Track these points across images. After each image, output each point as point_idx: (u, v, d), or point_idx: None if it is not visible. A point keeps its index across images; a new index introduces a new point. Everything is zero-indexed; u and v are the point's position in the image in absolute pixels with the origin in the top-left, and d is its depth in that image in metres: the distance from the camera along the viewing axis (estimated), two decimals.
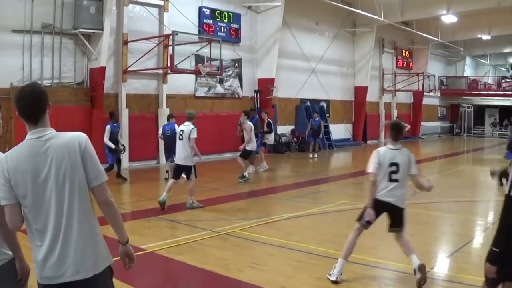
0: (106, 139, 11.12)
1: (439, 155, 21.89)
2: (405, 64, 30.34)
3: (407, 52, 30.60)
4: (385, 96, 28.44)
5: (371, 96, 26.52)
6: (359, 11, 22.25)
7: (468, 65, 39.85)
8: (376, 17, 22.80)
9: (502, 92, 34.89)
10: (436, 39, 28.93)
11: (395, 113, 28.77)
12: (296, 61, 21.57)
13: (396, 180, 4.97)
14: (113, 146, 11.18)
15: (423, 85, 29.63)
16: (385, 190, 4.98)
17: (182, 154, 8.93)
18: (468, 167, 18.78)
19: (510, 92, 34.31)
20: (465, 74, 38.29)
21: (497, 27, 28.87)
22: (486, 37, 30.80)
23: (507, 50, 38.89)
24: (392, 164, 4.96)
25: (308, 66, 22.31)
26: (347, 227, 6.77)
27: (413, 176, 5.12)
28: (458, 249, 6.77)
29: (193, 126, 8.92)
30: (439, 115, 36.10)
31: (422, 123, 31.86)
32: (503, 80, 36.82)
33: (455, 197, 10.73)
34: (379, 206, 4.97)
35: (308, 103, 21.76)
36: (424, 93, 30.69)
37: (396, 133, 5.07)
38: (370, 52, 25.42)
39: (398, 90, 28.82)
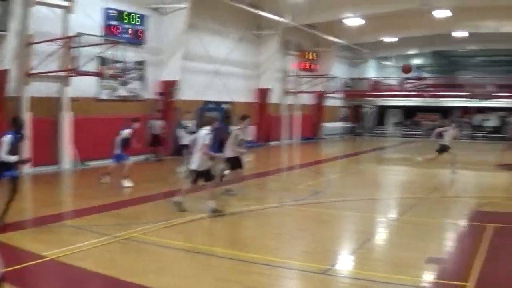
0: (2, 154, 9.31)
1: (340, 155, 25.32)
2: (309, 66, 34.39)
3: (312, 54, 34.56)
4: (289, 97, 32.23)
5: (275, 98, 30.21)
6: (264, 14, 25.76)
7: (371, 66, 45.51)
8: (281, 19, 26.55)
9: (404, 93, 40.49)
10: (341, 41, 33.45)
11: (298, 114, 32.75)
12: (202, 63, 24.44)
13: None
14: (13, 159, 9.45)
15: (325, 86, 33.94)
16: None
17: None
18: (369, 166, 22.11)
19: (413, 93, 40.05)
20: (368, 76, 43.87)
21: (400, 30, 33.95)
22: (392, 39, 35.91)
23: (411, 52, 44.82)
24: None
25: (213, 68, 25.26)
26: (248, 229, 9.19)
27: None
28: (360, 246, 8.10)
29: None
30: (341, 116, 40.85)
31: (325, 124, 36.32)
32: (406, 81, 42.52)
33: (357, 195, 12.63)
34: None
35: (212, 106, 24.33)
36: (328, 95, 35.16)
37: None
38: (274, 54, 29.00)
39: (301, 92, 32.77)
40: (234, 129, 12.62)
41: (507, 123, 39.27)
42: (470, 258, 7.28)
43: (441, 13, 28.93)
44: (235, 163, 12.37)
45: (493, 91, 37.87)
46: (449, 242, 8.58)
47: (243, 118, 12.83)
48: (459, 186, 16.04)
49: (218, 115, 10.95)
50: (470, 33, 35.53)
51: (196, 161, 9.99)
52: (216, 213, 9.90)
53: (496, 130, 39.80)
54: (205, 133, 9.99)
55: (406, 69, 30.34)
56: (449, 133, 17.01)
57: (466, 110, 40.80)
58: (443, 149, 16.94)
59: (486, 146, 34.34)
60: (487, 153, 29.08)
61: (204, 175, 10.05)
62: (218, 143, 13.90)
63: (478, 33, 35.32)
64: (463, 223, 10.07)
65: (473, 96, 37.94)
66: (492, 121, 41.15)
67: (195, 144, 10.07)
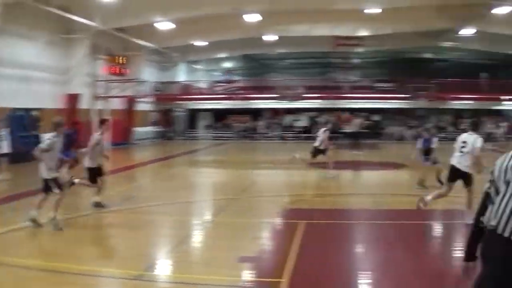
0: None
1: (152, 160, 25.87)
2: (119, 70, 34.13)
3: (122, 58, 34.35)
4: (99, 103, 32.03)
5: (85, 103, 29.91)
6: (73, 17, 25.61)
7: (182, 70, 46.53)
8: (90, 23, 26.58)
9: (215, 96, 42.28)
10: (151, 45, 34.51)
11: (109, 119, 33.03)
12: (9, 68, 23.58)
13: None
14: None
15: (135, 91, 34.47)
16: None
17: None
18: (181, 169, 22.73)
19: (223, 96, 42.03)
20: (179, 80, 44.90)
21: (211, 34, 35.81)
22: (202, 43, 37.81)
23: (220, 55, 46.84)
24: None
25: (21, 73, 24.47)
26: (61, 239, 8.94)
27: None
28: (174, 249, 8.44)
29: None
30: (152, 120, 41.37)
31: (136, 128, 36.56)
32: (216, 85, 44.53)
33: (170, 199, 12.63)
34: None
35: (21, 113, 23.74)
36: (138, 99, 35.63)
37: None
38: (84, 58, 28.88)
39: (111, 97, 32.71)
40: (95, 134, 12.14)
41: (317, 123, 43.32)
42: (283, 255, 7.81)
43: (251, 17, 30.66)
44: (95, 173, 11.77)
45: (303, 92, 40.55)
46: (262, 241, 9.12)
47: (102, 122, 12.53)
48: (271, 185, 17.07)
49: (62, 120, 10.52)
50: (280, 37, 37.93)
51: (43, 169, 9.59)
52: (54, 222, 9.46)
53: (306, 130, 42.42)
54: (50, 139, 9.65)
55: None
56: (321, 136, 17.87)
57: (276, 111, 43.53)
58: (317, 151, 17.80)
59: (297, 145, 37.50)
60: (298, 152, 31.85)
61: (52, 183, 9.61)
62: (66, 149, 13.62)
63: (287, 36, 37.76)
64: (275, 221, 10.72)
65: (283, 98, 40.37)
66: (302, 122, 43.98)
67: (44, 151, 9.57)
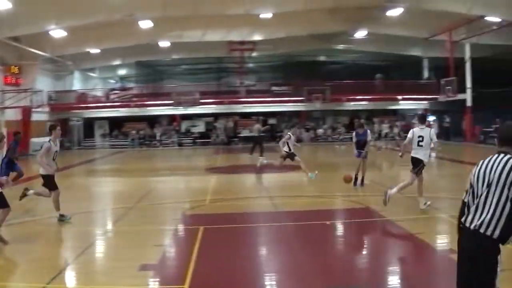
0: None
1: None
2: (14, 80, 33.57)
3: (15, 68, 33.77)
4: None
5: None
6: None
7: (77, 78, 45.53)
8: None
9: (111, 104, 41.77)
10: (45, 54, 33.60)
11: (4, 131, 31.94)
12: None
13: None
14: None
15: (30, 101, 33.62)
16: None
17: None
18: (79, 179, 22.16)
19: (119, 104, 41.61)
20: (74, 88, 43.89)
21: (105, 41, 35.39)
22: (95, 51, 37.23)
23: (115, 62, 46.23)
24: None
25: None
26: None
27: None
28: (74, 261, 8.24)
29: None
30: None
31: (32, 139, 35.42)
32: (111, 92, 43.77)
33: (70, 210, 11.64)
34: None
35: None
36: (34, 109, 34.66)
37: None
38: None
39: (5, 108, 31.83)
40: (45, 141, 11.44)
41: (216, 128, 43.78)
42: (184, 261, 7.84)
43: (144, 24, 30.80)
44: (51, 181, 11.29)
45: (198, 98, 40.76)
46: (163, 248, 9.00)
47: (52, 128, 11.64)
48: (170, 192, 17.03)
49: (2, 134, 9.75)
50: (173, 43, 38.08)
51: None
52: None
53: (203, 135, 43.29)
54: None
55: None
56: (291, 140, 18.40)
57: (173, 118, 43.56)
58: (289, 156, 18.26)
59: (195, 151, 37.51)
60: (196, 158, 31.80)
61: None
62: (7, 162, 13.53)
63: (181, 42, 37.93)
64: (176, 227, 10.69)
65: (178, 104, 40.52)
66: (200, 127, 44.60)
67: None
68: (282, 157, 18.54)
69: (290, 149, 18.27)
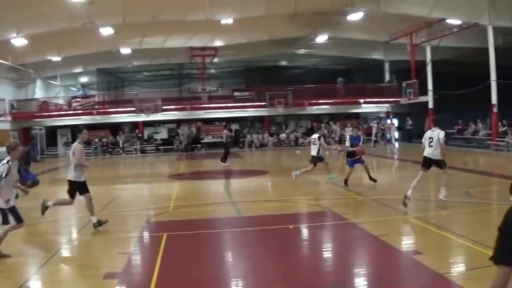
0: None
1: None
2: None
3: None
4: None
5: None
6: None
7: (39, 87, 45.16)
8: None
9: (72, 112, 41.63)
10: (6, 62, 33.24)
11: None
12: None
13: None
14: None
15: None
16: None
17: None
18: (42, 188, 20.77)
19: (81, 111, 41.40)
20: (36, 96, 43.51)
21: (67, 49, 35.15)
22: (56, 58, 36.95)
23: (77, 70, 45.81)
24: None
25: None
26: None
27: None
28: (39, 270, 8.17)
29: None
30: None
31: None
32: (73, 100, 43.50)
33: (33, 219, 11.35)
34: None
35: None
36: None
37: None
38: None
39: None
40: (75, 145, 11.48)
41: (178, 135, 43.67)
42: (149, 268, 7.95)
43: (105, 31, 30.70)
44: (78, 188, 11.46)
45: (161, 104, 40.67)
46: (128, 256, 8.92)
47: (79, 131, 11.75)
48: (134, 199, 16.93)
49: (17, 142, 9.59)
50: (134, 49, 37.99)
51: None
52: None
53: (166, 142, 43.12)
54: (4, 164, 8.98)
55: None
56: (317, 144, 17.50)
57: (136, 125, 43.22)
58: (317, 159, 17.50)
59: (158, 158, 37.43)
60: (159, 165, 31.71)
61: (10, 214, 9.04)
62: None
63: (143, 48, 37.88)
64: (140, 235, 10.66)
65: (141, 111, 40.38)
66: (162, 134, 44.47)
67: None
68: (312, 162, 17.66)
69: (318, 153, 17.44)
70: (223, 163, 25.57)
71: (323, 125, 18.45)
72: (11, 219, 9.00)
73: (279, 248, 9.28)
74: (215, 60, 43.70)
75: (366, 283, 7.29)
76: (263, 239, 10.01)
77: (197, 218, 12.39)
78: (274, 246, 9.48)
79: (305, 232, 11.02)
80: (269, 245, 9.55)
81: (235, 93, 43.75)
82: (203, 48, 40.50)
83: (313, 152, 17.21)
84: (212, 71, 48.31)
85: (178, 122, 44.34)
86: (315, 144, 17.22)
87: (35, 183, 16.15)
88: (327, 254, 9.23)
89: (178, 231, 10.84)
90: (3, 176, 8.87)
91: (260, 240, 9.97)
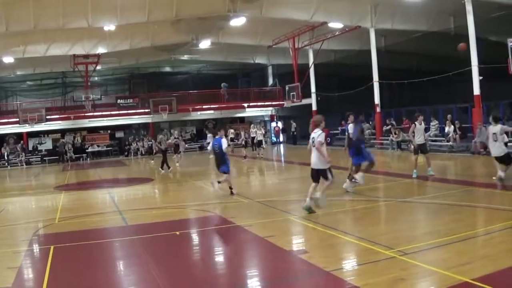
0: None
1: None
2: None
3: None
4: None
5: None
6: None
7: None
8: None
9: None
10: None
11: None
12: None
13: None
14: None
15: None
16: None
17: (316, 159, 11.86)
18: None
19: None
20: None
21: None
22: None
23: None
24: None
25: None
26: None
27: None
28: None
29: (321, 132, 11.87)
30: None
31: None
32: None
33: None
34: None
35: None
36: None
37: None
38: None
39: None
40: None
41: (63, 144, 42.49)
42: (39, 281, 7.87)
43: None
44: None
45: (45, 114, 39.95)
46: (16, 270, 8.65)
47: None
48: (20, 212, 16.52)
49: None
50: (17, 58, 36.91)
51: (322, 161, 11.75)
52: None
53: (51, 152, 42.16)
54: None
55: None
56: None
57: (21, 136, 41.92)
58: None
59: (44, 169, 36.29)
60: (45, 176, 30.79)
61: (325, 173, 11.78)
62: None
63: (25, 57, 36.85)
64: (28, 248, 10.39)
65: (25, 121, 39.41)
66: (47, 144, 43.44)
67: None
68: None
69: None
70: (162, 170, 25.19)
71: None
72: None
73: (168, 255, 9.32)
74: (99, 67, 43.07)
75: (255, 285, 7.48)
76: (151, 247, 10.00)
77: (84, 229, 12.22)
78: (162, 253, 9.50)
79: (193, 238, 11.16)
80: (157, 252, 9.54)
81: (119, 101, 43.39)
82: (86, 56, 39.86)
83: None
84: (96, 78, 47.59)
85: (63, 132, 43.44)
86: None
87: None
88: (216, 258, 9.35)
89: (65, 242, 10.65)
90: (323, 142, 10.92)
91: (148, 248, 9.93)
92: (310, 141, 12.17)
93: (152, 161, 32.98)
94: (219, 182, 15.81)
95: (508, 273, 6.81)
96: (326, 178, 11.87)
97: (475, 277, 6.62)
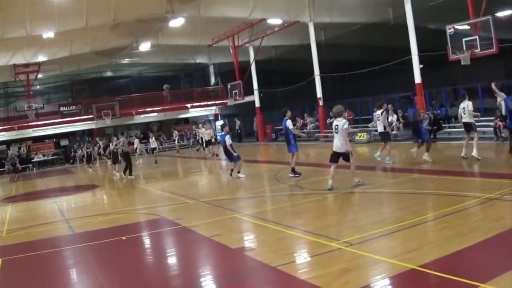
0: None
1: None
2: None
3: None
4: None
5: None
6: None
7: None
8: None
9: None
10: None
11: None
12: None
13: None
14: None
15: None
16: None
17: (339, 143, 13.31)
18: None
19: None
20: None
21: None
22: None
23: None
24: None
25: None
26: None
27: None
28: None
29: (345, 120, 13.47)
30: None
31: None
32: None
33: None
34: None
35: None
36: None
37: None
38: None
39: None
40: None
41: (8, 156, 41.55)
42: None
43: None
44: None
45: None
46: None
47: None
48: None
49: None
50: None
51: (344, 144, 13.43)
52: None
53: None
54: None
55: None
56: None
57: None
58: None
59: None
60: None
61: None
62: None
63: None
64: None
65: None
66: None
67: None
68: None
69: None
70: (129, 176, 24.14)
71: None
72: None
73: (115, 261, 9.21)
74: (40, 76, 42.28)
75: (202, 285, 7.34)
76: (98, 254, 9.87)
77: (31, 240, 11.99)
78: (109, 259, 9.38)
79: (139, 242, 10.94)
80: (104, 259, 9.42)
81: (62, 108, 42.80)
82: (27, 65, 39.12)
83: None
84: (38, 87, 46.89)
85: (8, 143, 42.55)
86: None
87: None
88: (162, 261, 9.18)
89: (13, 255, 10.43)
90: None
91: (95, 255, 9.83)
92: (333, 128, 13.72)
93: (90, 169, 32.42)
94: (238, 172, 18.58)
95: (454, 258, 6.93)
96: (348, 160, 13.49)
97: (422, 263, 6.72)
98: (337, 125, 13.46)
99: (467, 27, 23.82)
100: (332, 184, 13.33)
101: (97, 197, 20.00)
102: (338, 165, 13.59)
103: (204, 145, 32.41)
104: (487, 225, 8.36)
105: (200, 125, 36.82)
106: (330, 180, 13.40)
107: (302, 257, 8.17)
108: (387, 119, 19.62)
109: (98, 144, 34.42)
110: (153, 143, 31.24)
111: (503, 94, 17.77)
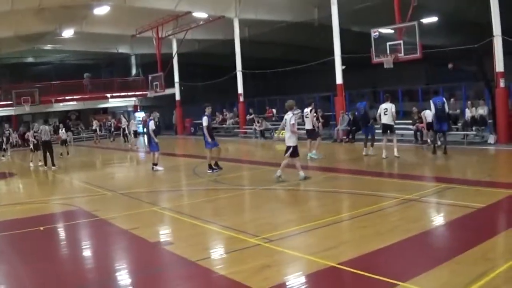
0: None
1: None
2: None
3: None
4: None
5: None
6: None
7: None
8: None
9: None
10: None
11: None
12: None
13: None
14: None
15: None
16: None
17: (286, 136, 13.96)
18: None
19: None
20: None
21: None
22: None
23: None
24: None
25: None
26: None
27: None
28: None
29: (292, 115, 13.67)
30: None
31: None
32: None
33: None
34: None
35: None
36: None
37: None
38: None
39: None
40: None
41: None
42: None
43: None
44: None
45: None
46: None
47: None
48: None
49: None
50: None
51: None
52: None
53: None
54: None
55: None
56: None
57: None
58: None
59: None
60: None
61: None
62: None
63: None
64: None
65: None
66: None
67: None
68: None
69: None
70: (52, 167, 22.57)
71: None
72: None
73: (32, 252, 8.80)
74: None
75: (119, 278, 7.16)
76: (15, 244, 9.51)
77: None
78: (27, 249, 8.98)
79: (57, 233, 10.57)
80: (21, 249, 9.06)
81: None
82: None
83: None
84: None
85: None
86: None
87: None
88: (79, 252, 8.85)
89: None
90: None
91: (12, 245, 9.47)
92: (283, 122, 14.05)
93: (3, 158, 30.94)
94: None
95: (374, 256, 7.01)
96: (292, 155, 13.70)
97: (341, 261, 6.77)
98: (285, 119, 13.89)
99: (392, 31, 24.20)
100: (280, 175, 13.85)
101: (14, 185, 19.17)
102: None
103: (133, 136, 31.77)
104: (405, 225, 8.54)
105: (122, 115, 36.01)
106: (299, 172, 14.01)
107: (221, 252, 8.13)
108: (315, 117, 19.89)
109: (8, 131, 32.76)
110: (63, 134, 28.95)
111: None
